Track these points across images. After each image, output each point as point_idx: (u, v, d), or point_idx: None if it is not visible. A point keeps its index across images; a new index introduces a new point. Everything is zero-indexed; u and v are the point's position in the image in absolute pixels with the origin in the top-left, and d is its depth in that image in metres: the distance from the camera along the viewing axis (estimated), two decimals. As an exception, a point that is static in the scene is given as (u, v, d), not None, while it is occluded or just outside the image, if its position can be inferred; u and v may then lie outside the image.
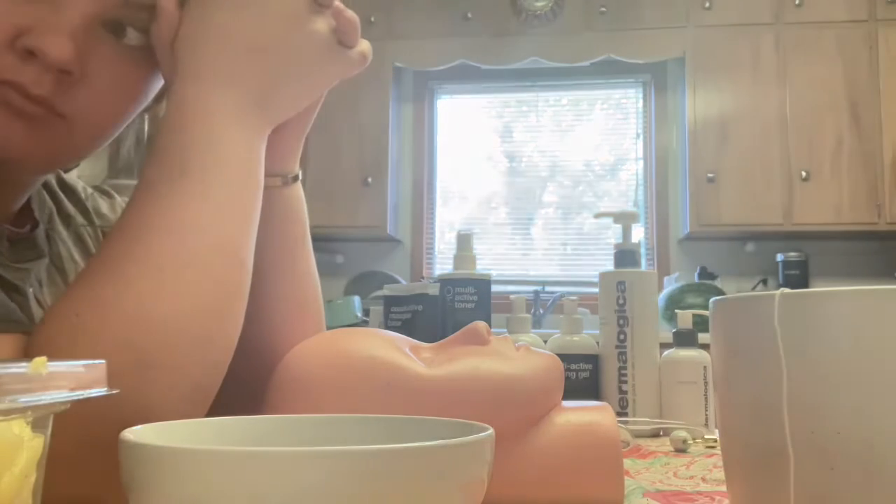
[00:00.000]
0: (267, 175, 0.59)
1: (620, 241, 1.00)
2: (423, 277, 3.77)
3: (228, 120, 0.49)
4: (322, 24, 0.52)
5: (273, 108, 0.52)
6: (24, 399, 0.26)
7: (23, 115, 0.49)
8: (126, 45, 0.52)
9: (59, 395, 0.27)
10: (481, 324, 0.51)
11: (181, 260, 0.44)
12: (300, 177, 0.62)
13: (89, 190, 0.73)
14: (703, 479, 0.62)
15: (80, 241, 0.68)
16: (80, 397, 0.28)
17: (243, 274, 0.48)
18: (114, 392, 0.31)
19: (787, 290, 0.38)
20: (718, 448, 0.76)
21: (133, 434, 0.32)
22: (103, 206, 0.73)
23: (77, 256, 0.66)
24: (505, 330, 1.08)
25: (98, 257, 0.44)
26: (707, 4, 3.50)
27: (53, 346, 0.41)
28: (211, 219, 0.46)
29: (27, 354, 0.43)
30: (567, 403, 0.53)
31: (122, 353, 0.40)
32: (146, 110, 0.61)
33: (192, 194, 0.46)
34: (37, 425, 0.28)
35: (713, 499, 0.54)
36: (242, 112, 0.50)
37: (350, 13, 0.54)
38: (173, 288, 0.43)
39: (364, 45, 0.56)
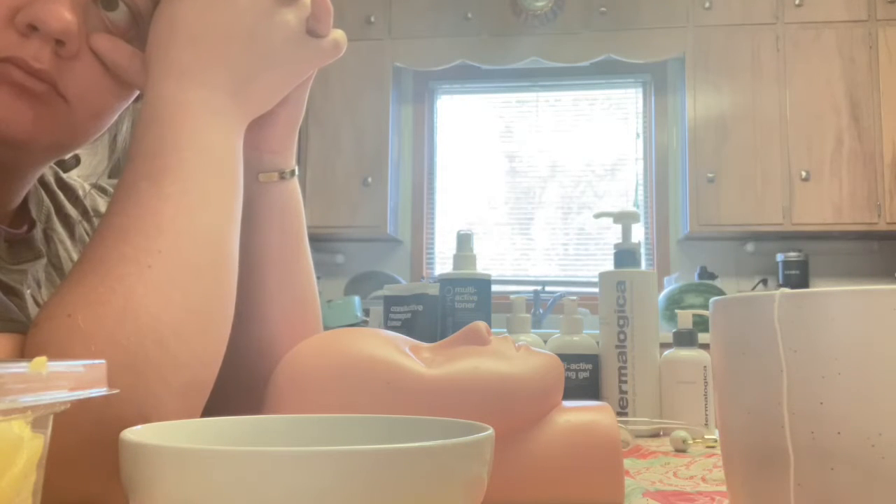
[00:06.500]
0: (264, 171, 0.60)
1: (620, 241, 1.00)
2: (423, 277, 3.77)
3: (203, 116, 0.49)
4: (291, 16, 0.53)
5: (247, 101, 0.52)
6: (24, 399, 0.26)
7: (26, 94, 0.49)
8: (118, 23, 0.53)
9: (59, 395, 0.27)
10: (481, 324, 0.51)
11: (168, 257, 0.44)
12: (297, 171, 0.62)
13: (87, 188, 0.73)
14: (703, 479, 0.62)
15: (79, 240, 0.68)
16: (80, 397, 0.28)
17: (230, 265, 0.49)
18: (114, 392, 0.31)
19: (787, 290, 0.38)
20: (718, 448, 0.76)
21: (133, 434, 0.32)
22: (102, 204, 0.73)
23: (76, 255, 0.66)
24: (505, 330, 1.08)
25: (86, 257, 0.45)
26: (707, 4, 3.50)
27: (46, 346, 0.41)
28: (193, 214, 0.46)
29: (22, 355, 0.43)
30: (567, 403, 0.53)
31: (115, 352, 0.40)
32: (138, 100, 0.61)
33: (172, 191, 0.46)
34: (37, 425, 0.28)
35: (713, 499, 0.54)
36: (217, 107, 0.50)
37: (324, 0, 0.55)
38: (162, 285, 0.43)
39: (337, 34, 0.57)
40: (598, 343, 0.99)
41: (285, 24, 0.52)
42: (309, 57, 0.55)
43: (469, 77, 3.84)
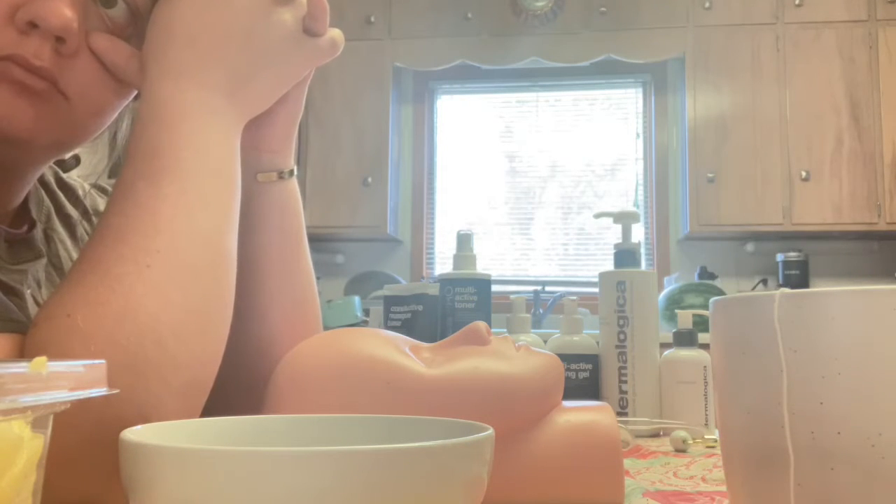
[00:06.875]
0: (262, 171, 0.60)
1: (620, 241, 1.00)
2: (423, 277, 3.77)
3: (201, 116, 0.49)
4: (287, 15, 0.53)
5: (244, 101, 0.52)
6: (24, 399, 0.26)
7: (27, 91, 0.49)
8: (117, 20, 0.53)
9: (59, 395, 0.27)
10: (481, 324, 0.51)
11: (166, 256, 0.44)
12: (295, 171, 0.62)
13: (87, 188, 0.73)
14: (703, 479, 0.62)
15: (79, 239, 0.68)
16: (80, 397, 0.28)
17: (228, 265, 0.49)
18: (114, 392, 0.31)
19: (787, 290, 0.38)
20: (718, 448, 0.76)
21: (133, 434, 0.32)
22: (101, 204, 0.73)
23: (76, 255, 0.66)
24: (505, 330, 1.08)
25: (85, 257, 0.45)
26: (707, 4, 3.50)
27: (46, 346, 0.41)
28: (191, 214, 0.46)
29: (22, 355, 0.43)
30: (567, 403, 0.53)
31: (115, 352, 0.41)
32: (138, 98, 0.61)
33: (170, 191, 0.46)
34: (37, 425, 0.28)
35: (713, 499, 0.54)
36: (214, 107, 0.50)
37: None
38: (161, 285, 0.43)
39: (334, 33, 0.57)
40: (598, 343, 0.99)
41: (282, 24, 0.53)
42: (306, 56, 0.55)
43: (469, 77, 3.84)
